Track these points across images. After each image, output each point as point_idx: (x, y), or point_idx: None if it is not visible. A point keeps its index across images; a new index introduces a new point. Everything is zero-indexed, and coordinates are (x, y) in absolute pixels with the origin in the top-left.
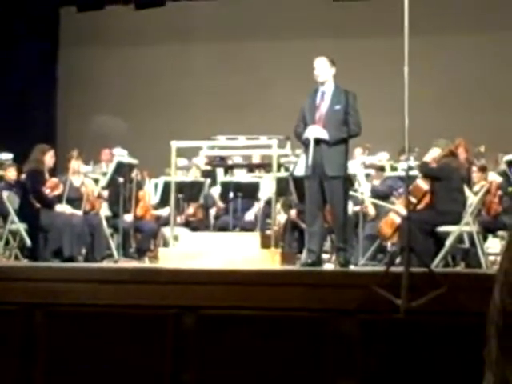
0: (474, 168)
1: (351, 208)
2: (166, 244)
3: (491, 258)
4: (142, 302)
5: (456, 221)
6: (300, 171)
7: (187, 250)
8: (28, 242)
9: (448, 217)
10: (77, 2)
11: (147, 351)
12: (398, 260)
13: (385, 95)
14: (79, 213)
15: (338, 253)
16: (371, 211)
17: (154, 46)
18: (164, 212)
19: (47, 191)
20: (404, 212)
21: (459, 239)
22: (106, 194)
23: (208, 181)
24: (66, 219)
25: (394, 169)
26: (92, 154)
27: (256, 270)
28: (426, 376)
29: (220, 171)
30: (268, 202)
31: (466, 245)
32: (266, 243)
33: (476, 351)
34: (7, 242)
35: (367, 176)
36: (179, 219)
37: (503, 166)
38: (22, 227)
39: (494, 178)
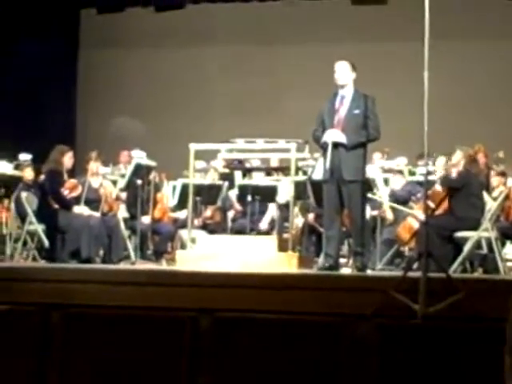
0: (493, 173)
1: (369, 212)
2: (183, 246)
3: (509, 263)
4: (158, 304)
5: (474, 226)
6: (318, 175)
7: (204, 253)
8: (46, 243)
9: (466, 222)
10: (97, 4)
11: (163, 353)
12: (415, 265)
13: (404, 100)
14: (97, 214)
15: (356, 257)
16: (389, 216)
17: (173, 48)
18: (182, 214)
19: (66, 192)
20: (422, 217)
21: (477, 245)
22: (124, 195)
23: (226, 184)
24: (84, 220)
25: (412, 173)
26: (111, 155)
27: (273, 273)
28: (443, 382)
29: (238, 174)
30: (286, 206)
31: (484, 250)
32: (283, 247)
33: (494, 356)
34: (25, 243)
35: (386, 180)
36: (197, 222)
37: None
38: (40, 228)
39: None
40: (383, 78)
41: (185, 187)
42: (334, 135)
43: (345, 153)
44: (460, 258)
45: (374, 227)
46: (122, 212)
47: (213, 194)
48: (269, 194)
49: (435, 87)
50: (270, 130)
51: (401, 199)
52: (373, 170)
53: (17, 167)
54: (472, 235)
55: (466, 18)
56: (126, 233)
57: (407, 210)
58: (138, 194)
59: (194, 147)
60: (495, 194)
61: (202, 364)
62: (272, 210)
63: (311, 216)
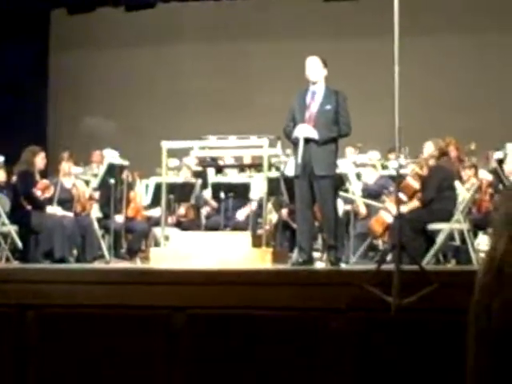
0: (465, 165)
1: (342, 207)
2: (157, 244)
3: (482, 254)
4: (133, 303)
5: (447, 218)
6: (290, 171)
7: (178, 250)
8: (19, 243)
9: (439, 214)
10: (67, 4)
11: (138, 352)
12: (389, 258)
13: (375, 95)
14: (70, 214)
15: (329, 251)
16: (362, 210)
17: (144, 47)
18: (155, 213)
19: (38, 193)
20: (394, 210)
21: (450, 237)
22: (97, 195)
23: (199, 181)
24: (57, 221)
25: (384, 167)
26: (83, 155)
27: (247, 269)
28: (418, 374)
29: (211, 171)
30: (259, 202)
31: (457, 242)
32: (257, 242)
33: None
34: None
35: (358, 175)
36: (170, 220)
37: (494, 164)
38: (12, 229)
39: (485, 175)
40: (355, 72)
41: (158, 185)
42: (305, 130)
43: (316, 148)
44: (433, 250)
45: (347, 221)
46: (96, 211)
47: (186, 191)
48: (242, 190)
49: (406, 81)
50: (242, 126)
51: (373, 193)
52: (345, 165)
53: None
54: (444, 227)
55: (437, 12)
56: (99, 232)
57: (379, 204)
58: (111, 193)
59: (166, 145)
60: (467, 186)
61: (178, 361)
62: (249, 206)
63: (285, 212)
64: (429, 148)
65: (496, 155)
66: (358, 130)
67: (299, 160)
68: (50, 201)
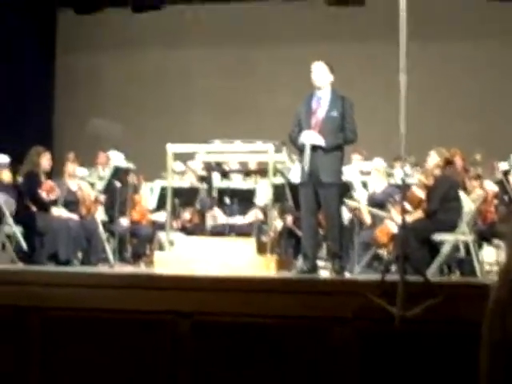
0: (470, 176)
1: (347, 215)
2: (161, 249)
3: (486, 266)
4: (137, 307)
5: (451, 229)
6: (296, 177)
7: (183, 255)
8: (24, 245)
9: (444, 225)
10: (74, 4)
11: (143, 356)
12: (393, 268)
13: (381, 102)
14: (75, 216)
15: (334, 260)
16: (367, 219)
17: (150, 49)
18: (160, 217)
19: (43, 194)
20: (399, 220)
21: (455, 248)
22: (103, 198)
23: (204, 186)
24: (63, 223)
25: (389, 175)
26: (88, 156)
27: (251, 276)
28: None
29: (216, 176)
30: (264, 208)
31: (462, 253)
32: (261, 249)
33: (472, 360)
34: (3, 245)
35: (364, 183)
36: (175, 224)
37: (499, 175)
38: (17, 230)
39: (490, 186)
40: (361, 79)
41: (163, 189)
42: (311, 137)
43: (322, 155)
44: (437, 262)
45: (351, 230)
46: (101, 214)
47: (191, 196)
48: (247, 196)
49: (412, 88)
50: (248, 130)
51: (379, 202)
52: (351, 172)
53: None
54: (449, 238)
55: (443, 19)
56: (104, 235)
57: (383, 213)
58: (117, 196)
59: (171, 148)
60: (473, 197)
61: (183, 366)
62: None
63: (290, 219)
64: (433, 158)
65: (502, 166)
66: (364, 137)
67: (305, 167)
68: (55, 202)
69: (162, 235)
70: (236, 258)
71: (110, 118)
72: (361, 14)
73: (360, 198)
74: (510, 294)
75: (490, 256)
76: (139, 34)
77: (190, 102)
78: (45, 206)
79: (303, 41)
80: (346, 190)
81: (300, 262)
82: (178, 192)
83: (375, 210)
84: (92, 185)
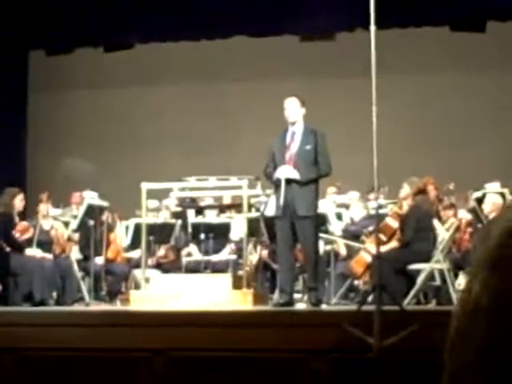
0: (444, 205)
1: (322, 247)
2: (137, 286)
3: None
4: (113, 346)
5: (427, 258)
6: (271, 211)
7: (159, 293)
8: None
9: (418, 255)
10: (46, 45)
11: None
12: (369, 298)
13: (354, 134)
14: (50, 256)
15: (310, 292)
16: (342, 251)
17: (123, 88)
18: (135, 254)
19: (17, 235)
20: (374, 250)
21: (430, 276)
22: (76, 236)
23: (179, 222)
24: (37, 263)
25: (364, 207)
26: (62, 196)
27: (228, 311)
28: None
29: (191, 212)
30: (239, 243)
31: (437, 282)
32: (237, 284)
33: None
34: None
35: (339, 215)
36: (150, 261)
37: (473, 203)
38: None
39: (464, 215)
40: (333, 113)
41: (138, 227)
42: (286, 172)
43: (298, 188)
44: (413, 291)
45: (327, 262)
46: (75, 253)
47: (166, 232)
48: (222, 231)
49: (384, 122)
50: (222, 167)
51: (354, 233)
52: (325, 205)
53: None
54: (425, 267)
55: (414, 52)
56: (79, 274)
57: (359, 244)
58: (91, 234)
59: (145, 186)
60: (447, 225)
61: None
62: (229, 246)
63: (265, 252)
64: (405, 189)
65: (475, 195)
66: (338, 170)
67: (281, 201)
68: (29, 243)
69: (137, 273)
70: (212, 294)
71: (83, 158)
72: (331, 49)
73: (335, 231)
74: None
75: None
76: (111, 73)
77: (163, 140)
78: (19, 247)
79: (276, 76)
80: (321, 222)
81: (276, 296)
82: (152, 229)
83: (350, 242)
84: (66, 224)
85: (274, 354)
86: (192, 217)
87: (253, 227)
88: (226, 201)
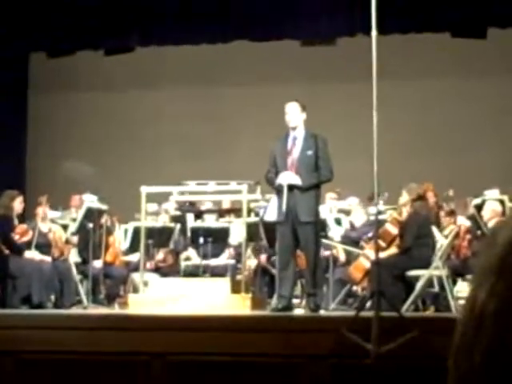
0: (443, 213)
1: (321, 253)
2: (135, 290)
3: (461, 301)
4: (111, 349)
5: (425, 265)
6: (270, 216)
7: (157, 296)
8: None
9: (417, 261)
10: (47, 47)
11: None
12: (368, 304)
13: (354, 139)
14: (48, 259)
15: (309, 298)
16: (341, 257)
17: (123, 91)
18: (134, 258)
19: (16, 237)
20: (373, 256)
21: (429, 283)
22: (75, 239)
23: (178, 226)
24: (36, 266)
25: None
26: (62, 199)
27: (226, 315)
28: None
29: (190, 216)
30: (238, 247)
31: (436, 289)
32: (236, 288)
33: None
34: None
35: (338, 221)
36: (149, 265)
37: (472, 210)
38: None
39: (463, 222)
40: (333, 118)
41: (137, 230)
42: (288, 177)
43: (299, 194)
44: (412, 297)
45: (326, 267)
46: (74, 256)
47: (165, 236)
48: (221, 235)
49: (385, 126)
50: (221, 171)
51: (354, 240)
52: (325, 211)
53: None
54: (423, 273)
55: (414, 58)
56: (77, 277)
57: (358, 250)
58: (90, 237)
59: (145, 190)
60: (446, 232)
61: None
62: (228, 251)
63: (264, 257)
64: (404, 197)
65: (474, 201)
66: (337, 175)
67: (284, 207)
68: (28, 245)
69: (135, 276)
70: (210, 298)
71: (82, 160)
72: (332, 54)
73: (334, 236)
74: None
75: (464, 291)
76: (111, 76)
77: (163, 144)
78: (17, 250)
79: (277, 80)
80: (320, 228)
81: (275, 301)
82: (151, 232)
83: (350, 248)
84: (65, 227)
85: (272, 359)
86: (191, 221)
87: (252, 232)
88: (226, 205)
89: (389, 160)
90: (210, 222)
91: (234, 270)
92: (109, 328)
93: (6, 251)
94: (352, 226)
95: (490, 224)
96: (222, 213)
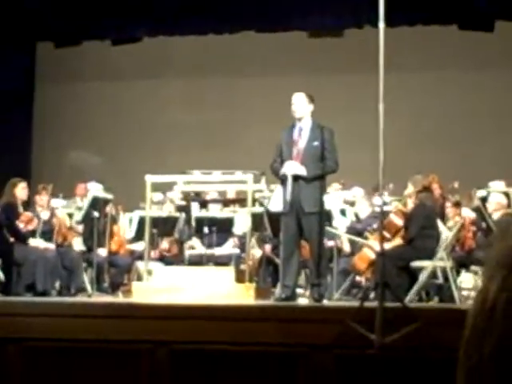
0: (448, 204)
1: (326, 243)
2: (139, 278)
3: (464, 292)
4: (115, 337)
5: (430, 256)
6: (275, 206)
7: (161, 285)
8: (1, 276)
9: (422, 252)
10: (54, 37)
11: None
12: (372, 295)
13: (360, 131)
14: (52, 247)
15: (313, 288)
16: (346, 247)
17: (129, 81)
18: (138, 246)
19: (21, 225)
20: (378, 247)
21: (433, 274)
22: (80, 228)
23: (183, 215)
24: (40, 253)
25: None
26: (67, 188)
27: (230, 304)
28: None
29: (195, 206)
30: (243, 237)
31: (440, 280)
32: (240, 278)
33: None
34: None
35: (343, 211)
36: (153, 254)
37: (477, 202)
38: None
39: (468, 213)
40: (340, 109)
41: (141, 219)
42: (293, 167)
43: (304, 185)
44: (416, 288)
45: (330, 257)
46: (79, 245)
47: (169, 225)
48: (226, 225)
49: (391, 118)
50: (227, 161)
51: (359, 231)
52: (329, 201)
53: None
54: (428, 265)
55: (421, 50)
56: (82, 265)
57: (362, 240)
58: (94, 226)
59: (150, 179)
60: (450, 224)
61: None
62: (233, 240)
63: (268, 247)
64: (409, 189)
65: (479, 193)
66: (342, 166)
67: (288, 197)
68: (32, 233)
69: (140, 265)
70: (215, 287)
71: (88, 150)
72: (340, 45)
73: (339, 226)
74: (486, 322)
75: (468, 282)
76: (118, 67)
77: (168, 133)
78: (22, 237)
79: (284, 71)
80: (327, 218)
81: (278, 290)
82: (156, 222)
83: (354, 238)
84: (70, 215)
85: (276, 348)
86: (196, 210)
87: (256, 222)
88: (231, 195)
89: (394, 151)
90: (215, 211)
91: (238, 260)
92: (113, 316)
93: (11, 239)
94: (357, 218)
95: (495, 216)
96: (226, 202)
